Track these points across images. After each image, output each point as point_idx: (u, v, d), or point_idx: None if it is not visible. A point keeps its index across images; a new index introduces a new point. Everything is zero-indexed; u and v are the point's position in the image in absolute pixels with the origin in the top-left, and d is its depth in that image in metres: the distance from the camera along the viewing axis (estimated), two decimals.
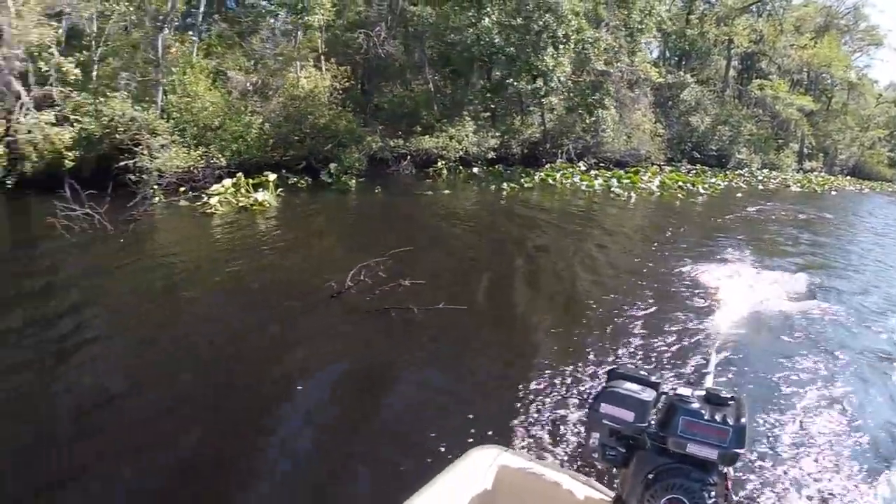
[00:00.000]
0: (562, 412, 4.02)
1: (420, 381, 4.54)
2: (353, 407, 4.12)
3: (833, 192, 24.30)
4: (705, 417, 1.01)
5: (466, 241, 8.82)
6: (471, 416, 3.91)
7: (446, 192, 12.38)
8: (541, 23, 14.06)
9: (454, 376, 4.63)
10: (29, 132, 9.44)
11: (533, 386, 4.30)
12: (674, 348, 5.20)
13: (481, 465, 1.49)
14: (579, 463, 3.50)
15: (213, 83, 12.41)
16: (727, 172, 22.39)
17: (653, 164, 19.38)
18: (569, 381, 4.46)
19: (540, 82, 14.65)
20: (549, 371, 4.55)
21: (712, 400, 1.05)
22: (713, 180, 18.95)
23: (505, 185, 13.22)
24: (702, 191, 16.44)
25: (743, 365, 4.96)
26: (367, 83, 16.55)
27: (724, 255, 8.62)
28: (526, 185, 13.61)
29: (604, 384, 1.15)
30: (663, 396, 1.10)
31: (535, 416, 4.00)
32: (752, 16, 29.94)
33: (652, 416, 1.08)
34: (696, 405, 1.03)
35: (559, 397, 4.22)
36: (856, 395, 4.73)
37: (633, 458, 1.09)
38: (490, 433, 3.69)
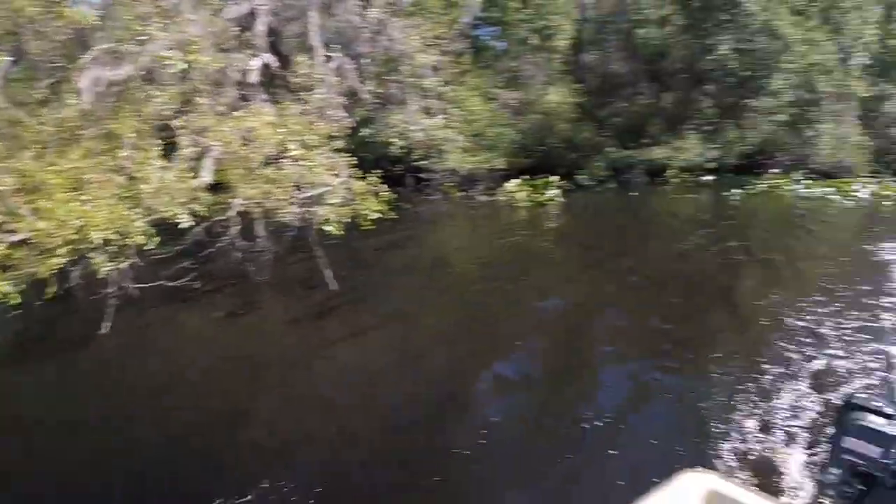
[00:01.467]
0: (779, 436, 4.58)
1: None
2: None
3: None
4: None
5: (724, 232, 12.94)
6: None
7: (689, 195, 17.10)
8: (769, 49, 18.28)
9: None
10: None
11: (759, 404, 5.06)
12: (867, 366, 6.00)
13: (691, 490, 1.58)
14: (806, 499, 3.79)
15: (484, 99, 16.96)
16: None
17: (858, 175, 22.72)
18: (791, 402, 5.17)
19: (771, 102, 19.11)
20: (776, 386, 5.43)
21: None
22: None
23: (734, 192, 17.75)
24: None
25: None
26: (598, 98, 21.54)
27: None
28: (751, 193, 18.09)
29: (841, 415, 1.22)
30: None
31: (752, 438, 4.55)
32: None
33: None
34: None
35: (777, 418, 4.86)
36: None
37: (868, 497, 1.14)
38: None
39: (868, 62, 24.77)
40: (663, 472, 1.70)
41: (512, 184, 15.02)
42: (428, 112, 11.60)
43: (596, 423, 4.85)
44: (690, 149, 19.30)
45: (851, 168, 22.67)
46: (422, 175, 14.87)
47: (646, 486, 1.58)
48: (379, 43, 10.71)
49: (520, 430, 4.91)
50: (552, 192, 14.69)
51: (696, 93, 21.28)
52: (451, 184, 14.97)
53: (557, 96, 18.40)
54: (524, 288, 8.37)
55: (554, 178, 15.55)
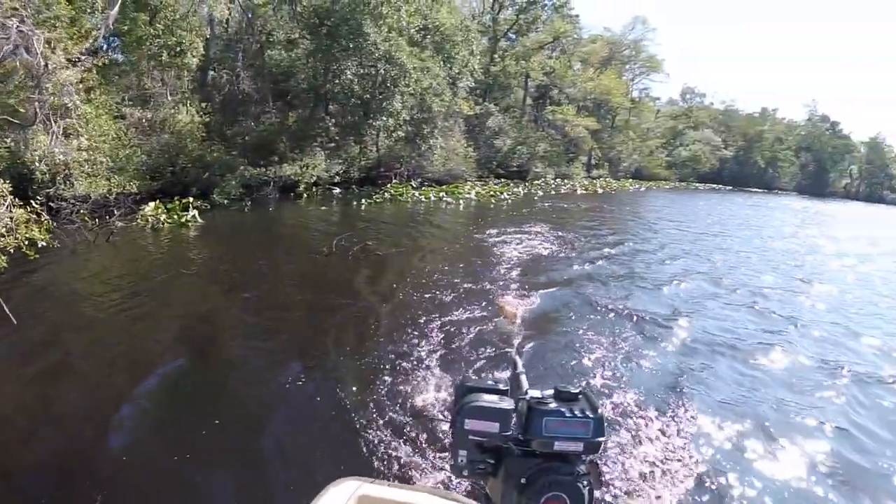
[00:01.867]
0: (417, 428, 4.88)
1: None
2: None
3: (612, 192, 34.87)
4: (566, 415, 1.16)
5: (356, 235, 14.38)
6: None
7: (322, 208, 18.14)
8: (389, 75, 20.57)
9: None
10: None
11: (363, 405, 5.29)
12: (482, 352, 6.67)
13: (343, 498, 1.62)
14: (445, 480, 4.10)
15: (112, 118, 15.81)
16: (527, 183, 31.33)
17: (466, 180, 27.01)
18: (403, 396, 5.47)
19: (391, 121, 21.32)
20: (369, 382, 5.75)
21: (564, 397, 1.21)
22: (516, 189, 27.48)
23: (363, 201, 19.37)
24: (505, 196, 24.59)
25: (543, 359, 6.70)
26: (226, 117, 21.66)
27: (520, 235, 15.03)
28: (378, 201, 19.86)
29: (457, 400, 1.28)
30: (519, 402, 1.24)
31: (393, 435, 4.76)
32: (548, 50, 40.20)
33: (513, 423, 1.22)
34: (553, 405, 1.18)
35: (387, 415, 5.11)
36: (638, 356, 6.95)
37: (502, 467, 1.21)
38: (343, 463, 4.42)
39: (473, 85, 29.50)
40: (315, 482, 1.70)
41: (149, 207, 14.22)
42: (67, 134, 10.87)
43: (238, 444, 4.81)
44: (318, 164, 20.50)
45: (461, 174, 26.73)
46: (52, 203, 13.26)
47: (297, 500, 1.53)
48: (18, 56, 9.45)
49: (160, 452, 4.71)
50: (190, 214, 14.24)
51: (320, 112, 22.81)
52: (84, 211, 13.64)
53: (187, 116, 18.01)
54: (159, 311, 7.97)
55: (189, 200, 15.20)
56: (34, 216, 7.27)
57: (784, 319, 9.60)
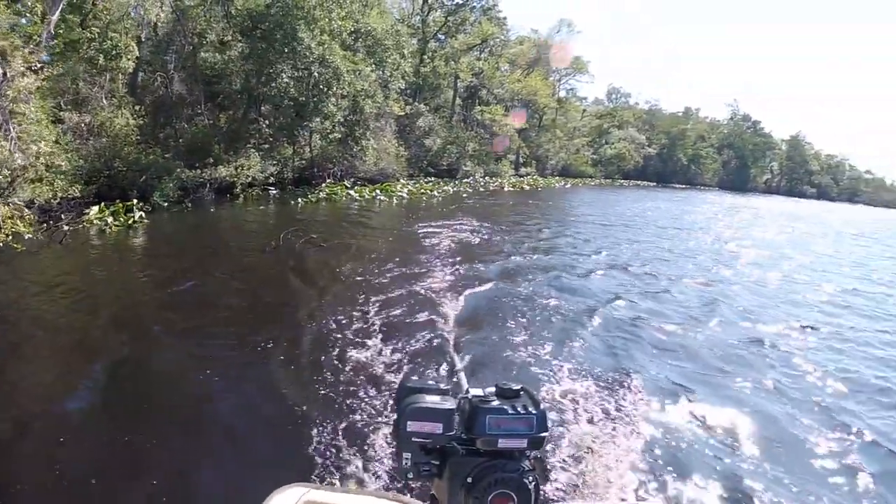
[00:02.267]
0: (360, 431, 4.98)
1: None
2: None
3: (538, 189, 37.41)
4: (509, 412, 1.19)
5: (295, 232, 15.96)
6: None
7: (261, 207, 19.37)
8: (323, 78, 21.91)
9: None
10: None
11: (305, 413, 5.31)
12: (421, 350, 6.93)
13: None
14: (392, 483, 4.27)
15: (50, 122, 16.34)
16: (456, 181, 33.27)
17: (398, 179, 28.66)
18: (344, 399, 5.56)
19: (327, 123, 22.73)
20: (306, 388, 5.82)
21: (505, 394, 1.24)
22: (445, 187, 29.33)
23: (299, 200, 20.70)
24: (436, 194, 26.46)
25: (481, 356, 7.03)
26: (160, 120, 22.51)
27: (452, 230, 16.72)
28: (314, 200, 21.22)
29: (399, 401, 1.30)
30: (461, 401, 1.26)
31: (336, 439, 4.85)
32: (477, 52, 42.27)
33: (456, 423, 1.24)
34: (496, 402, 1.21)
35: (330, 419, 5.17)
36: (570, 345, 7.46)
37: (447, 468, 1.24)
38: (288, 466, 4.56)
39: (403, 87, 31.00)
40: (259, 490, 1.72)
41: (94, 210, 14.71)
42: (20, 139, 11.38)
43: (176, 451, 4.76)
44: (253, 166, 21.57)
45: (392, 173, 28.37)
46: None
47: None
48: None
49: (87, 459, 4.61)
50: (136, 215, 14.85)
51: (253, 113, 23.95)
52: (31, 216, 14.03)
53: (122, 119, 18.68)
54: (103, 310, 8.22)
55: (133, 202, 15.79)
56: (17, 213, 8.34)
57: (701, 303, 10.82)
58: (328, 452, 4.73)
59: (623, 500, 4.37)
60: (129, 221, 14.30)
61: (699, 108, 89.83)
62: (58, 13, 16.03)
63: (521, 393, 1.25)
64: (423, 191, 27.41)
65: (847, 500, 4.83)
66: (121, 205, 15.38)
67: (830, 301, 12.43)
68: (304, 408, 5.47)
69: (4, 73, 10.79)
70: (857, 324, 10.64)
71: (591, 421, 5.56)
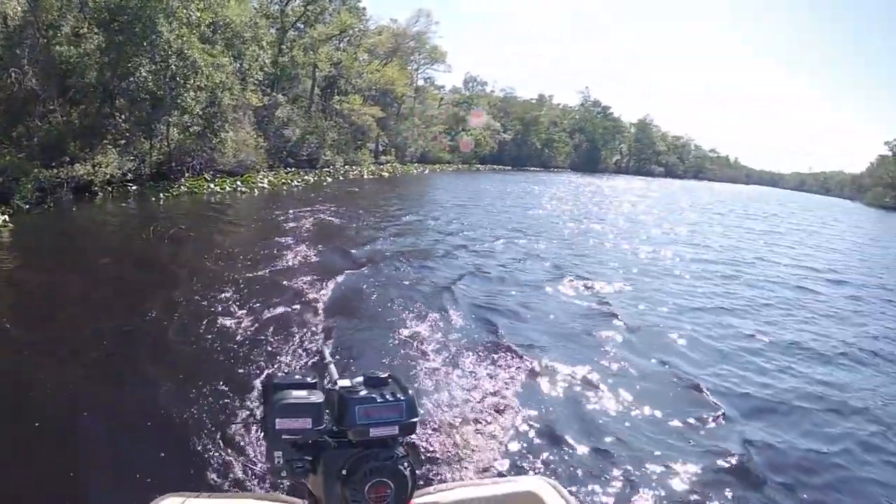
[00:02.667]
0: (222, 432, 5.04)
1: None
2: None
3: (397, 176, 40.42)
4: (378, 400, 1.23)
5: (160, 228, 17.05)
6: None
7: (122, 205, 20.28)
8: (181, 71, 22.79)
9: None
10: None
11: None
12: (286, 344, 7.11)
13: None
14: (269, 483, 4.28)
15: None
16: (317, 171, 35.30)
17: (258, 170, 30.14)
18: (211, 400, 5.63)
19: (186, 117, 23.85)
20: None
21: (373, 383, 1.28)
22: (306, 177, 31.46)
23: (161, 195, 21.82)
24: (296, 184, 28.67)
25: (351, 344, 7.37)
26: (10, 118, 22.46)
27: (312, 217, 18.58)
28: (175, 194, 22.43)
29: (266, 399, 1.29)
30: (329, 393, 1.29)
31: (196, 444, 4.88)
32: (336, 41, 43.77)
33: (326, 416, 1.26)
34: (364, 392, 1.25)
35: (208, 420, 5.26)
36: (435, 325, 8.11)
37: (321, 462, 1.25)
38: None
39: (261, 78, 32.04)
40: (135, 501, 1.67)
41: None
42: None
43: (44, 465, 4.71)
44: (110, 163, 22.12)
45: (252, 165, 29.81)
46: None
47: None
48: None
49: None
50: (0, 219, 14.87)
51: (108, 108, 24.42)
52: None
53: None
54: None
55: None
56: None
57: (549, 276, 12.60)
58: (202, 457, 4.78)
59: (500, 475, 4.47)
60: None
61: (552, 95, 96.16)
62: None
63: (389, 380, 1.30)
64: (283, 181, 29.34)
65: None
66: None
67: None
68: (173, 412, 5.49)
69: None
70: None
71: (460, 399, 5.85)
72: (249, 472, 4.59)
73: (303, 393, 1.27)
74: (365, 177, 37.98)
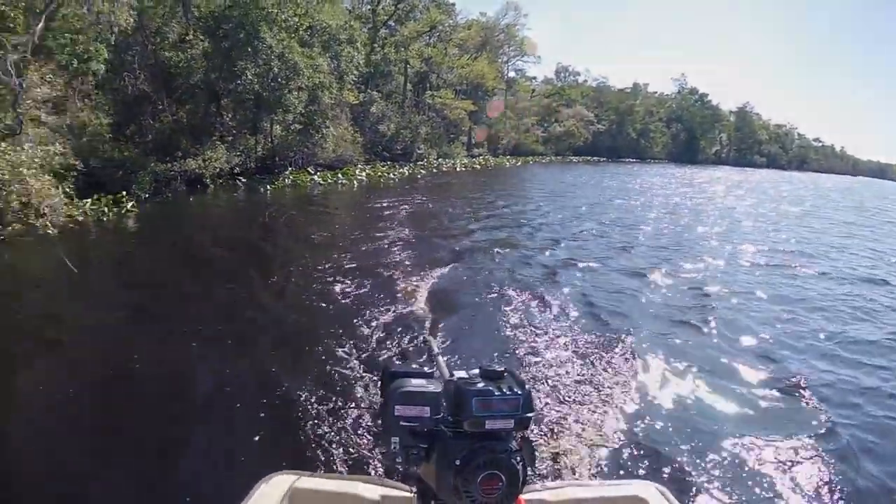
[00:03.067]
0: (343, 417, 5.17)
1: None
2: None
3: (489, 168, 40.75)
4: (495, 393, 1.23)
5: (277, 212, 18.21)
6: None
7: (234, 195, 21.58)
8: (283, 73, 24.14)
9: None
10: None
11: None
12: (392, 331, 7.24)
13: (275, 493, 1.70)
14: (379, 468, 4.41)
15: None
16: (411, 164, 36.09)
17: (355, 164, 31.20)
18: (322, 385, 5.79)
19: (290, 116, 25.16)
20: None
21: (490, 375, 1.28)
22: (401, 170, 32.22)
23: (268, 187, 23.06)
24: (392, 176, 29.45)
25: (456, 338, 7.29)
26: (127, 117, 24.39)
27: (411, 207, 19.54)
28: (280, 186, 23.63)
29: (384, 386, 1.34)
30: (447, 384, 1.30)
31: (321, 426, 5.03)
32: (427, 37, 44.68)
33: (443, 406, 1.28)
34: (481, 384, 1.25)
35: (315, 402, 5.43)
36: (543, 321, 7.95)
37: (435, 451, 1.27)
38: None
39: (357, 78, 33.20)
40: (245, 478, 1.76)
41: (87, 203, 16.03)
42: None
43: (162, 441, 4.94)
44: (219, 157, 23.66)
45: (350, 159, 30.90)
46: None
47: (231, 496, 1.72)
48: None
49: (75, 451, 4.81)
50: (128, 206, 16.50)
51: (214, 108, 26.08)
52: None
53: (97, 119, 20.50)
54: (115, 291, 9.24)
55: (123, 194, 17.42)
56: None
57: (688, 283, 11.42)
58: (311, 437, 4.91)
59: (605, 480, 4.34)
60: (123, 211, 16.28)
61: (647, 84, 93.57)
62: (42, 23, 18.06)
63: (505, 374, 1.28)
64: (380, 174, 30.29)
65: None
66: (109, 197, 17.33)
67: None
68: (283, 391, 5.71)
69: (21, 85, 12.95)
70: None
71: (563, 394, 5.76)
72: (357, 455, 4.67)
73: (421, 382, 1.33)
74: (458, 169, 38.56)
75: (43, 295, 8.97)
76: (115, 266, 11.17)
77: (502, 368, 1.29)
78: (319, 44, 27.57)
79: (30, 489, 4.35)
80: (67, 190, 14.56)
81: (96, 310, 8.34)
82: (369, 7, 39.71)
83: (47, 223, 9.04)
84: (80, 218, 13.64)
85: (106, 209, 15.87)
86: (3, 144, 12.51)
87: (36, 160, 9.58)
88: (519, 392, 1.24)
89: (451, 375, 1.34)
